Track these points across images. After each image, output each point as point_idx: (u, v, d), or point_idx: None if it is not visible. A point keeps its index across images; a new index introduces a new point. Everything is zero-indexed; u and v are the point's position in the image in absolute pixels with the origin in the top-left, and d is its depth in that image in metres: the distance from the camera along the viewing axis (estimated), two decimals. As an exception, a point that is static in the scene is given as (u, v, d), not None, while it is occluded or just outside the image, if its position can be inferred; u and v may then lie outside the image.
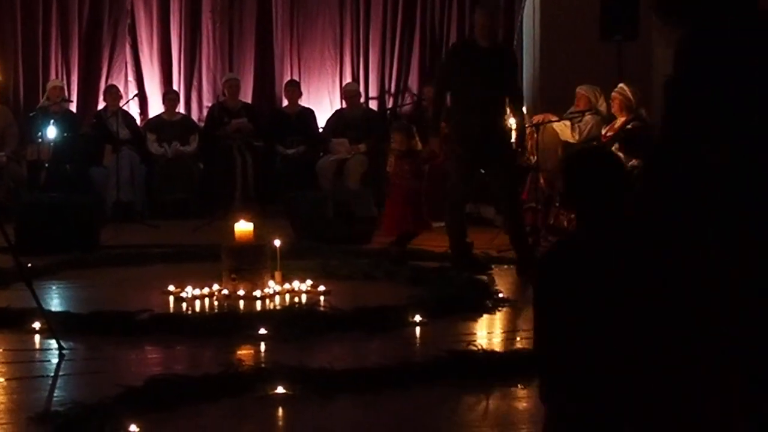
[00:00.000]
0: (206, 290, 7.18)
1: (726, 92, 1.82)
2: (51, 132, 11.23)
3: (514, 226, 8.26)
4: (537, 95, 12.14)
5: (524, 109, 8.88)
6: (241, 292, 7.11)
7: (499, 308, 6.88)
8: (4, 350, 5.83)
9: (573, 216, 9.49)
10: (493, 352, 5.60)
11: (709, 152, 1.76)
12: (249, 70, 13.00)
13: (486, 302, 6.92)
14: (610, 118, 10.07)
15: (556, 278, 1.77)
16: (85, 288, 7.67)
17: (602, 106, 10.29)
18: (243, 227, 7.45)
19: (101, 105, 12.25)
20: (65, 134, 11.38)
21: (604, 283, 1.71)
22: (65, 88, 12.19)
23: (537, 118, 10.14)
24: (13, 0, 12.28)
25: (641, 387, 1.67)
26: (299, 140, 12.20)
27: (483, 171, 8.30)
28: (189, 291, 7.11)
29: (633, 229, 1.71)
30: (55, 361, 5.53)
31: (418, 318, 6.36)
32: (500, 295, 7.13)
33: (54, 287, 7.62)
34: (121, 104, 11.96)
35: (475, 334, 6.31)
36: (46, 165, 11.25)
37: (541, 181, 9.92)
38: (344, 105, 12.62)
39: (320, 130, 12.54)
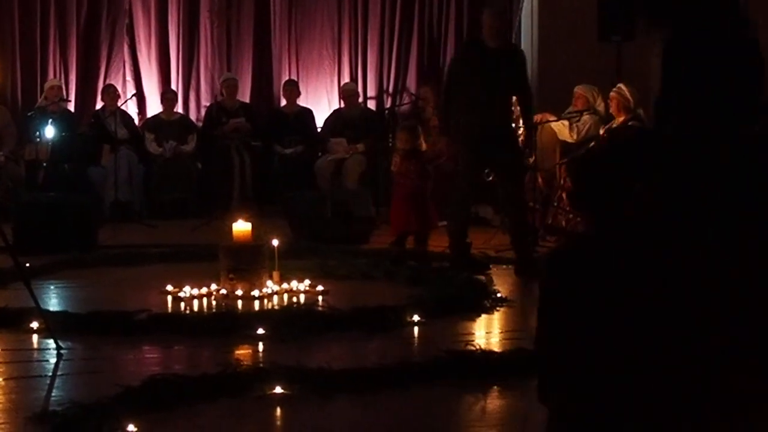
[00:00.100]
0: (204, 290, 7.17)
1: (712, 95, 1.82)
2: (49, 132, 11.22)
3: (517, 227, 8.24)
4: (535, 95, 12.12)
5: (533, 110, 8.84)
6: (239, 292, 7.11)
7: (498, 308, 6.89)
8: (2, 350, 5.82)
9: (571, 216, 9.54)
10: (491, 352, 5.60)
11: (704, 153, 1.76)
12: (247, 69, 12.99)
13: (484, 302, 6.92)
14: (608, 118, 10.07)
15: (568, 278, 1.76)
16: (83, 288, 7.67)
17: (600, 106, 10.30)
18: (241, 227, 7.44)
19: (99, 104, 12.23)
20: (63, 134, 11.37)
21: (622, 285, 1.71)
22: (63, 87, 12.17)
23: (535, 118, 10.14)
24: (11, -1, 12.28)
25: (644, 387, 1.67)
26: (297, 140, 12.19)
27: (490, 171, 8.30)
28: (187, 291, 7.11)
29: (645, 229, 1.71)
30: (53, 360, 5.52)
31: (416, 318, 6.36)
32: (498, 295, 7.13)
33: (52, 287, 7.61)
34: (119, 104, 11.95)
35: (473, 333, 6.32)
36: (44, 165, 11.24)
37: (539, 180, 9.92)
38: (342, 105, 12.61)
39: (318, 129, 12.53)
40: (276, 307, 6.92)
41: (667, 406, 1.65)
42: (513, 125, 8.50)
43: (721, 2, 1.87)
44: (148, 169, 11.91)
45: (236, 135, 11.87)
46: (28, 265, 7.09)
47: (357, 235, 9.68)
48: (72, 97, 12.41)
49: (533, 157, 9.54)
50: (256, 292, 7.11)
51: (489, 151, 8.05)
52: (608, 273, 1.72)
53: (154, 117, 12.34)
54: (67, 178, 11.16)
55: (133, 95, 12.41)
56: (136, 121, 12.44)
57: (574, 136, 10.19)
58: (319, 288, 7.34)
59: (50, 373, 5.33)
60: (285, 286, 7.37)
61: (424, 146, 8.68)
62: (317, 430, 4.54)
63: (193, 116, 12.73)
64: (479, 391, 4.96)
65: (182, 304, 6.97)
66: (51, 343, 5.71)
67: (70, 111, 12.03)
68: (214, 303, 7.05)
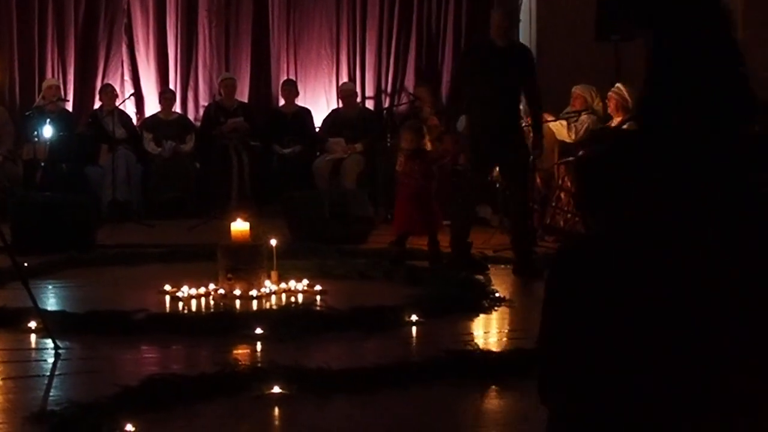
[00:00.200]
0: (202, 290, 7.17)
1: (706, 94, 1.82)
2: (47, 131, 11.22)
3: (517, 226, 8.23)
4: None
5: (542, 109, 8.80)
6: (237, 292, 7.11)
7: (496, 308, 6.88)
8: (0, 350, 5.82)
9: (569, 216, 9.54)
10: (489, 352, 5.60)
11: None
12: (245, 69, 12.99)
13: (483, 302, 6.92)
14: (606, 118, 10.07)
15: (576, 277, 1.76)
16: (81, 287, 7.66)
17: (598, 106, 10.30)
18: (239, 227, 7.44)
19: (97, 104, 12.24)
20: (61, 133, 11.37)
21: (625, 285, 1.70)
22: (61, 87, 12.18)
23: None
24: (9, -1, 12.28)
25: (644, 387, 1.66)
26: (295, 140, 12.19)
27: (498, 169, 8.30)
28: (185, 290, 7.11)
29: (647, 229, 1.71)
30: (51, 360, 5.52)
31: (414, 318, 6.36)
32: (497, 295, 7.12)
33: (50, 287, 7.61)
34: (117, 103, 11.95)
35: (472, 333, 6.32)
36: (42, 164, 11.24)
37: (538, 180, 9.93)
38: (341, 105, 12.62)
39: (317, 129, 12.53)
40: (274, 307, 6.92)
41: (667, 406, 1.65)
42: (521, 125, 8.47)
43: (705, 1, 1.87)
44: (146, 169, 11.91)
45: (234, 135, 11.87)
46: (26, 264, 7.09)
47: (355, 235, 9.68)
48: (70, 96, 12.41)
49: (531, 157, 9.53)
50: (254, 292, 7.11)
51: (495, 151, 8.04)
52: (616, 273, 1.71)
53: (152, 117, 12.34)
54: (65, 178, 11.16)
55: (131, 95, 12.42)
56: (134, 121, 12.44)
57: (572, 136, 10.20)
58: (318, 288, 7.34)
59: (48, 373, 5.32)
60: (283, 285, 7.37)
61: (428, 146, 8.65)
62: (315, 429, 4.54)
63: (191, 116, 12.72)
64: (478, 391, 4.96)
65: (180, 304, 6.97)
66: (49, 342, 5.70)
67: (68, 111, 12.03)
68: (212, 303, 7.05)
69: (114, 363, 5.54)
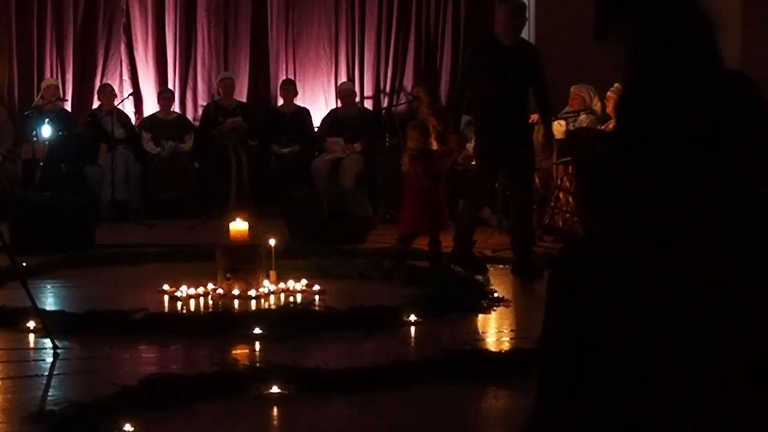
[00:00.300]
0: (201, 289, 7.17)
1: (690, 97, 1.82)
2: (46, 131, 11.22)
3: (518, 226, 8.20)
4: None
5: (552, 107, 8.74)
6: (236, 292, 7.11)
7: (495, 308, 6.88)
8: (-2, 349, 5.82)
9: (568, 216, 9.54)
10: (488, 352, 5.60)
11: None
12: (244, 69, 13.00)
13: (481, 302, 6.92)
14: (604, 118, 10.08)
15: (581, 277, 1.76)
16: (79, 287, 7.66)
17: (597, 106, 10.31)
18: (238, 226, 7.44)
19: (96, 104, 12.24)
20: (60, 133, 11.38)
21: (627, 285, 1.70)
22: (60, 86, 12.19)
23: (531, 118, 10.13)
24: (8, -2, 12.28)
25: (644, 386, 1.67)
26: (294, 139, 12.19)
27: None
28: (184, 290, 7.11)
29: (648, 229, 1.71)
30: (49, 360, 5.52)
31: (413, 318, 6.36)
32: (495, 295, 7.12)
33: (49, 286, 7.61)
34: (115, 103, 11.96)
35: (470, 333, 6.31)
36: (41, 164, 11.25)
37: (536, 180, 9.92)
38: (339, 104, 12.62)
39: (315, 129, 12.53)
40: (273, 307, 6.91)
41: (667, 406, 1.65)
42: (526, 124, 8.40)
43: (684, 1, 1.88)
44: (145, 169, 11.91)
45: (233, 134, 11.87)
46: (24, 264, 7.08)
47: (354, 235, 9.68)
48: (69, 96, 12.42)
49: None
50: (252, 292, 7.10)
51: (498, 151, 7.97)
52: (616, 273, 1.72)
53: (151, 116, 12.35)
54: (64, 178, 11.16)
55: (130, 94, 12.43)
56: (133, 121, 12.45)
57: (571, 136, 10.20)
58: (316, 288, 7.33)
59: (47, 373, 5.32)
60: (282, 285, 7.36)
61: (434, 145, 8.62)
62: (314, 429, 4.54)
63: (190, 116, 12.73)
64: (476, 391, 4.96)
65: (179, 304, 6.97)
66: (48, 342, 5.70)
67: (66, 110, 12.04)
68: (210, 302, 7.04)
69: (113, 363, 5.54)
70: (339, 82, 12.90)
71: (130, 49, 12.68)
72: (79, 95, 12.54)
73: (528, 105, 8.28)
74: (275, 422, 4.71)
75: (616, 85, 9.80)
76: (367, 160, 11.92)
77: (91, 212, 9.68)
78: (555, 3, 12.18)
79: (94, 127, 11.84)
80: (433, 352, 5.35)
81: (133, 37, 12.68)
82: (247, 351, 5.74)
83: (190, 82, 12.87)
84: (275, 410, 4.75)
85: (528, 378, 4.70)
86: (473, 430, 4.61)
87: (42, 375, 5.29)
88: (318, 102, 12.94)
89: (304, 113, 12.52)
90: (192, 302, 7.02)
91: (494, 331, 6.47)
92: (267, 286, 7.28)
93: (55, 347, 5.63)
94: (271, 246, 7.53)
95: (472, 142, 8.18)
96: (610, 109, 9.82)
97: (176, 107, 12.57)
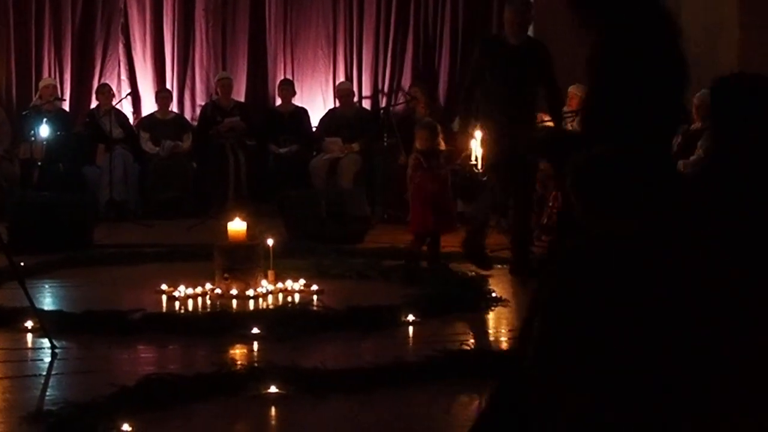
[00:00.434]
0: (199, 289, 7.17)
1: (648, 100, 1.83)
2: (44, 131, 11.22)
3: (518, 226, 8.17)
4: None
5: (563, 105, 8.66)
6: (234, 292, 7.11)
7: (493, 308, 6.87)
8: (-4, 349, 5.82)
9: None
10: (486, 352, 5.60)
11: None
12: (242, 68, 12.99)
13: (480, 302, 6.91)
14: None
15: (580, 278, 1.76)
16: (77, 287, 7.65)
17: (596, 106, 10.28)
18: (236, 226, 7.44)
19: (94, 104, 12.23)
20: (58, 133, 11.37)
21: (628, 285, 1.70)
22: (58, 86, 12.18)
23: (540, 117, 10.12)
24: (6, -2, 12.27)
25: (644, 386, 1.67)
26: (292, 139, 12.18)
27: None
28: (182, 290, 7.10)
29: (649, 229, 1.71)
30: (47, 360, 5.51)
31: (411, 317, 6.35)
32: (494, 295, 7.12)
33: (47, 286, 7.60)
34: (114, 103, 11.95)
35: (468, 333, 6.31)
36: (39, 164, 11.24)
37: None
38: (337, 104, 12.62)
39: (313, 129, 12.53)
40: (271, 307, 6.91)
41: (667, 406, 1.65)
42: (530, 124, 8.34)
43: (648, 5, 1.88)
44: (143, 169, 11.91)
45: (231, 134, 11.86)
46: (22, 264, 7.08)
47: (352, 235, 9.68)
48: (67, 96, 12.42)
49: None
50: (250, 292, 7.10)
51: (502, 151, 7.91)
52: (616, 273, 1.72)
53: (149, 116, 12.35)
54: (62, 178, 11.16)
55: (128, 94, 12.42)
56: (131, 121, 12.44)
57: (570, 136, 10.19)
58: (314, 287, 7.33)
59: (45, 373, 5.31)
60: (280, 285, 7.36)
61: (442, 146, 8.57)
62: (312, 429, 4.54)
63: (188, 115, 12.73)
64: (474, 391, 4.95)
65: (177, 304, 6.97)
66: (45, 342, 5.70)
67: (64, 110, 12.03)
68: (208, 302, 7.04)
69: (111, 363, 5.54)
70: (337, 82, 12.89)
71: (128, 48, 12.67)
72: (77, 95, 12.54)
73: (535, 104, 8.24)
74: (273, 422, 4.71)
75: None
76: (365, 159, 11.91)
77: (89, 212, 9.67)
78: (555, 3, 12.16)
79: (92, 127, 11.83)
80: (432, 352, 5.35)
81: (131, 37, 12.67)
82: (245, 351, 5.74)
83: (188, 81, 12.87)
84: (273, 410, 4.74)
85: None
86: (472, 430, 4.61)
87: (40, 375, 5.28)
88: (316, 102, 12.93)
89: (302, 113, 12.52)
90: (190, 302, 7.02)
91: (492, 330, 6.47)
92: (265, 286, 7.27)
93: (53, 347, 5.63)
94: (269, 246, 7.52)
95: (478, 141, 8.12)
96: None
97: (174, 107, 12.56)
